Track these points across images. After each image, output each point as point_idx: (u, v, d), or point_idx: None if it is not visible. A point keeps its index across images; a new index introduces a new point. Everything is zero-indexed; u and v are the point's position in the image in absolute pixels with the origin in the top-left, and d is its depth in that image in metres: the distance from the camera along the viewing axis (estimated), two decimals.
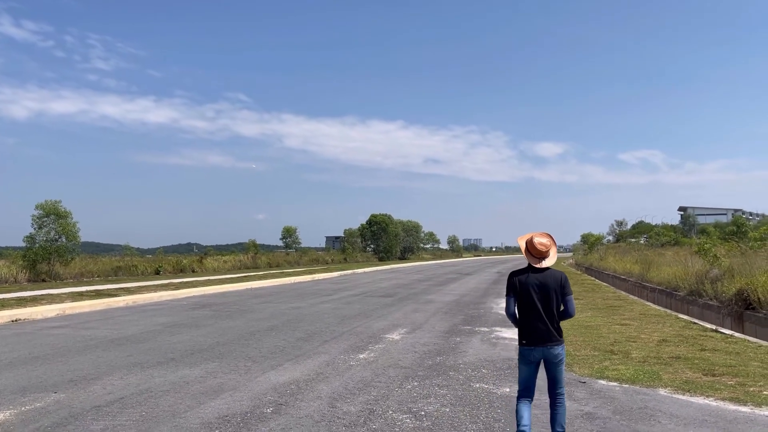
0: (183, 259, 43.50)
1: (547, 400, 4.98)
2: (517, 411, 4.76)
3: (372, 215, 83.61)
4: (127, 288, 21.28)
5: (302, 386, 7.07)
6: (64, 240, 28.83)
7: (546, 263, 4.80)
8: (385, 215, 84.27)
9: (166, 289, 20.38)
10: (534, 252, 4.81)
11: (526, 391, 4.81)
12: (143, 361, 8.64)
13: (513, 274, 4.91)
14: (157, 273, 37.12)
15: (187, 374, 7.77)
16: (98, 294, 17.93)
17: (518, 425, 4.67)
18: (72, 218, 29.30)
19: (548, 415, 4.96)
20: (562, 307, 4.79)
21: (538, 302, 4.70)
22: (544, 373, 4.84)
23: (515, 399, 4.98)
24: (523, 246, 4.90)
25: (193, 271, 40.58)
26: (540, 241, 4.80)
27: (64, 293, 18.51)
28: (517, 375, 4.91)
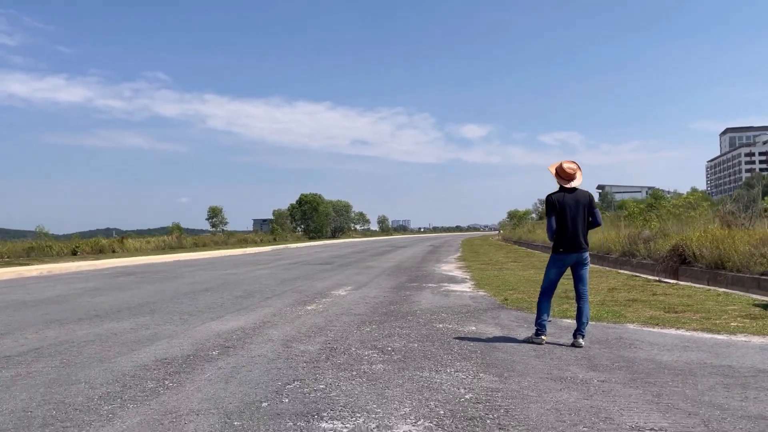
0: (102, 240, 40.98)
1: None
2: (540, 305, 5.71)
3: (302, 195, 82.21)
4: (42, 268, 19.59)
5: (249, 332, 6.34)
6: None
7: (574, 183, 5.62)
8: (316, 195, 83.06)
9: (85, 260, 18.87)
10: (563, 175, 5.62)
11: (549, 291, 5.77)
12: (62, 318, 7.62)
13: (550, 196, 5.65)
14: (74, 254, 34.71)
15: (114, 327, 6.86)
16: (9, 264, 16.32)
17: (540, 317, 5.63)
18: None
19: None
20: (590, 219, 5.65)
21: (574, 217, 5.54)
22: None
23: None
24: (553, 171, 5.70)
25: (113, 252, 38.24)
26: (569, 165, 5.63)
27: None
28: (544, 278, 5.82)
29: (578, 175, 5.65)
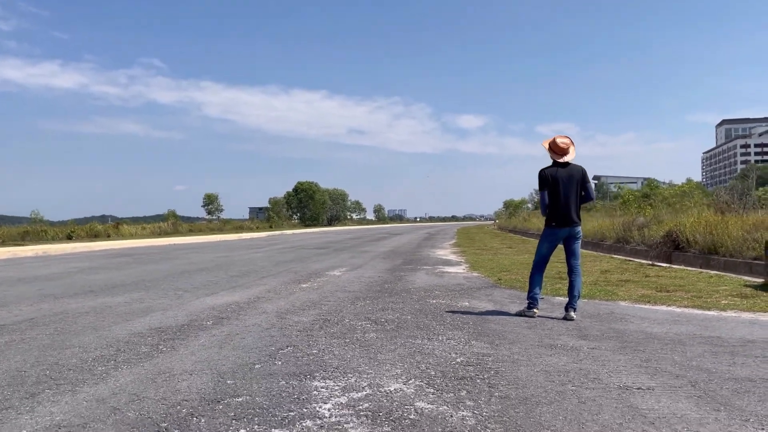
0: (97, 226, 40.94)
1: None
2: (532, 279, 5.75)
3: (298, 183, 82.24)
4: (37, 248, 19.57)
5: (244, 306, 6.37)
6: None
7: (567, 158, 5.61)
8: (312, 183, 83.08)
9: (80, 242, 18.85)
10: (557, 150, 5.63)
11: (541, 264, 5.79)
12: (57, 293, 7.64)
13: (543, 171, 5.66)
14: (69, 238, 34.61)
15: (108, 301, 6.88)
16: (3, 245, 16.31)
17: (531, 291, 5.67)
18: None
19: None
20: (583, 193, 5.65)
21: (566, 191, 5.54)
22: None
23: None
24: (547, 146, 5.70)
25: (108, 237, 38.20)
26: (562, 140, 5.63)
27: None
28: (536, 252, 5.86)
29: (571, 149, 5.65)
